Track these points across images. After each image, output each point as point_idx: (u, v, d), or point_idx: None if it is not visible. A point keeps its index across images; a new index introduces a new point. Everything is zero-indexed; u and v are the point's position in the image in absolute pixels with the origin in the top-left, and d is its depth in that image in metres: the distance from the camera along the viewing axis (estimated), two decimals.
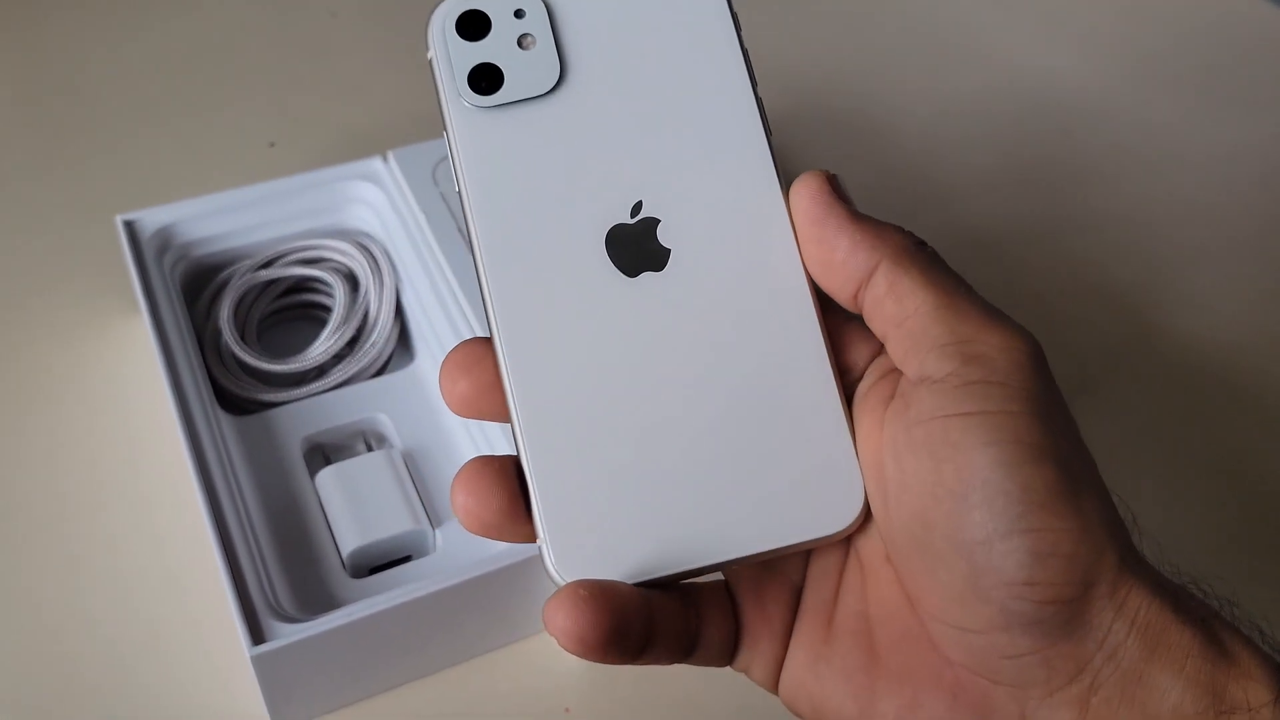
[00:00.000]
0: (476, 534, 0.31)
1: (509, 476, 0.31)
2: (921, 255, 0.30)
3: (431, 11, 0.33)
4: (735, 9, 0.33)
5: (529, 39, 0.32)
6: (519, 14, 0.32)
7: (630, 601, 0.29)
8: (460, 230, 0.58)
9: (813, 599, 0.32)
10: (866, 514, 0.31)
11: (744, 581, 0.32)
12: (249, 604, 0.45)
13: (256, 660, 0.44)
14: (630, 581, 0.30)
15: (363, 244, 0.60)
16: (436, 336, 0.56)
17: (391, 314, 0.58)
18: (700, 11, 0.33)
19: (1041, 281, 0.70)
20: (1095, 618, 0.28)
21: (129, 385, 0.59)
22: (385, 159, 0.62)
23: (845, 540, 0.32)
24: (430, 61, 0.33)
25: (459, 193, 0.32)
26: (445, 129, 0.32)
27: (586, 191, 0.32)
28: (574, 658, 0.51)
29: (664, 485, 0.30)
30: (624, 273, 0.31)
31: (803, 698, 0.32)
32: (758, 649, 0.32)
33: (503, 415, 0.31)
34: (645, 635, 0.29)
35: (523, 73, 0.32)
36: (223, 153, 0.73)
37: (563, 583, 0.30)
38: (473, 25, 0.33)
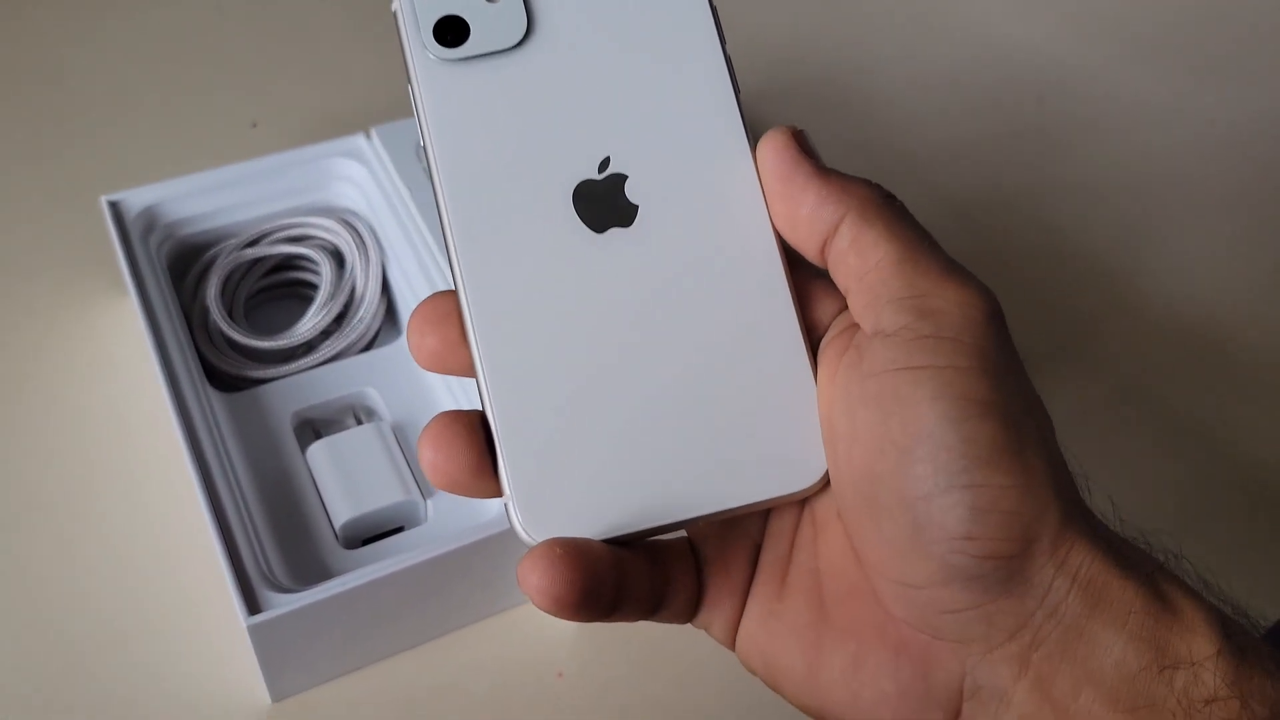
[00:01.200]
0: (442, 489, 0.31)
1: (476, 432, 0.30)
2: (889, 208, 0.30)
3: None
4: None
5: None
6: None
7: (602, 559, 0.29)
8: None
9: (769, 556, 0.32)
10: (828, 474, 0.31)
11: (708, 540, 0.32)
12: (244, 575, 0.46)
13: (253, 630, 0.44)
14: (597, 539, 0.30)
15: (348, 221, 0.60)
16: None
17: (378, 290, 0.58)
18: None
19: (1014, 247, 0.71)
20: (1036, 574, 0.28)
21: (117, 365, 0.59)
22: (368, 136, 0.62)
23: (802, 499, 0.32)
24: (395, 13, 0.32)
25: (423, 146, 0.32)
26: (410, 81, 0.32)
27: (553, 147, 0.32)
28: (566, 623, 0.52)
29: (630, 442, 0.30)
30: (591, 228, 0.31)
31: (755, 654, 0.32)
32: (719, 608, 0.32)
33: (469, 371, 0.31)
34: (616, 593, 0.29)
35: (489, 25, 0.32)
36: (205, 134, 0.73)
37: (529, 540, 0.30)
38: None
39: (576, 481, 0.30)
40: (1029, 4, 0.89)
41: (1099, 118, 0.80)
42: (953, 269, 0.30)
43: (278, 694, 0.49)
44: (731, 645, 0.32)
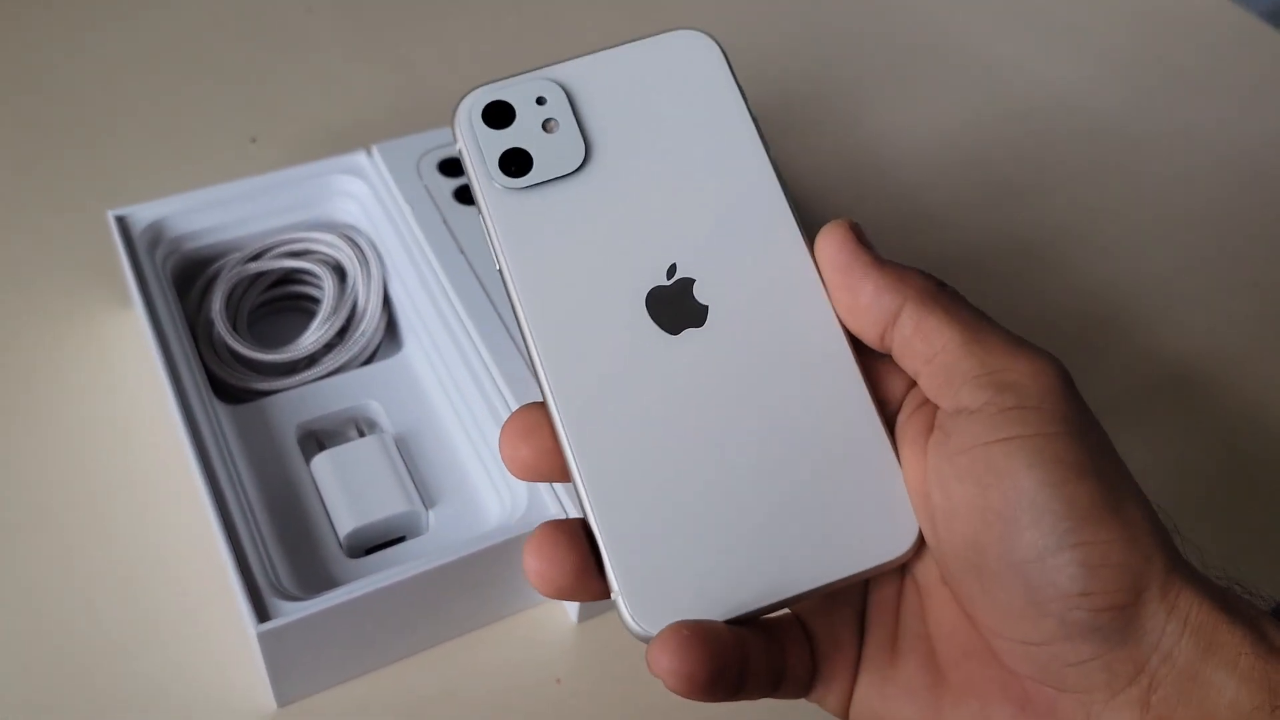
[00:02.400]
0: (549, 596, 0.32)
1: (577, 538, 0.31)
2: (943, 295, 0.32)
3: (456, 105, 0.35)
4: (740, 80, 0.36)
5: (552, 123, 0.34)
6: (540, 100, 0.34)
7: (726, 639, 0.30)
8: (448, 232, 0.60)
9: (876, 626, 0.33)
10: (921, 540, 0.33)
11: (815, 615, 0.33)
12: (253, 584, 0.47)
13: (262, 637, 0.45)
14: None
15: (349, 236, 0.62)
16: (424, 325, 0.58)
17: (379, 304, 0.59)
18: (708, 84, 0.35)
19: (999, 255, 0.72)
20: (1149, 621, 0.29)
21: (123, 377, 0.61)
22: (369, 153, 0.64)
23: (900, 566, 0.33)
24: (460, 151, 0.34)
25: (499, 271, 0.33)
26: (481, 212, 0.34)
27: (622, 259, 0.33)
28: (563, 630, 0.53)
29: (726, 529, 0.32)
30: (666, 331, 0.33)
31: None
32: (833, 679, 0.33)
33: (564, 476, 0.32)
34: (741, 672, 0.31)
35: (550, 154, 0.34)
36: (204, 149, 0.74)
37: (641, 631, 0.31)
38: (497, 114, 0.34)
39: (680, 571, 0.31)
40: (1017, 26, 0.91)
41: (1085, 138, 0.82)
42: (1017, 342, 0.31)
43: (283, 699, 0.50)
44: (845, 716, 0.34)
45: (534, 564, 0.31)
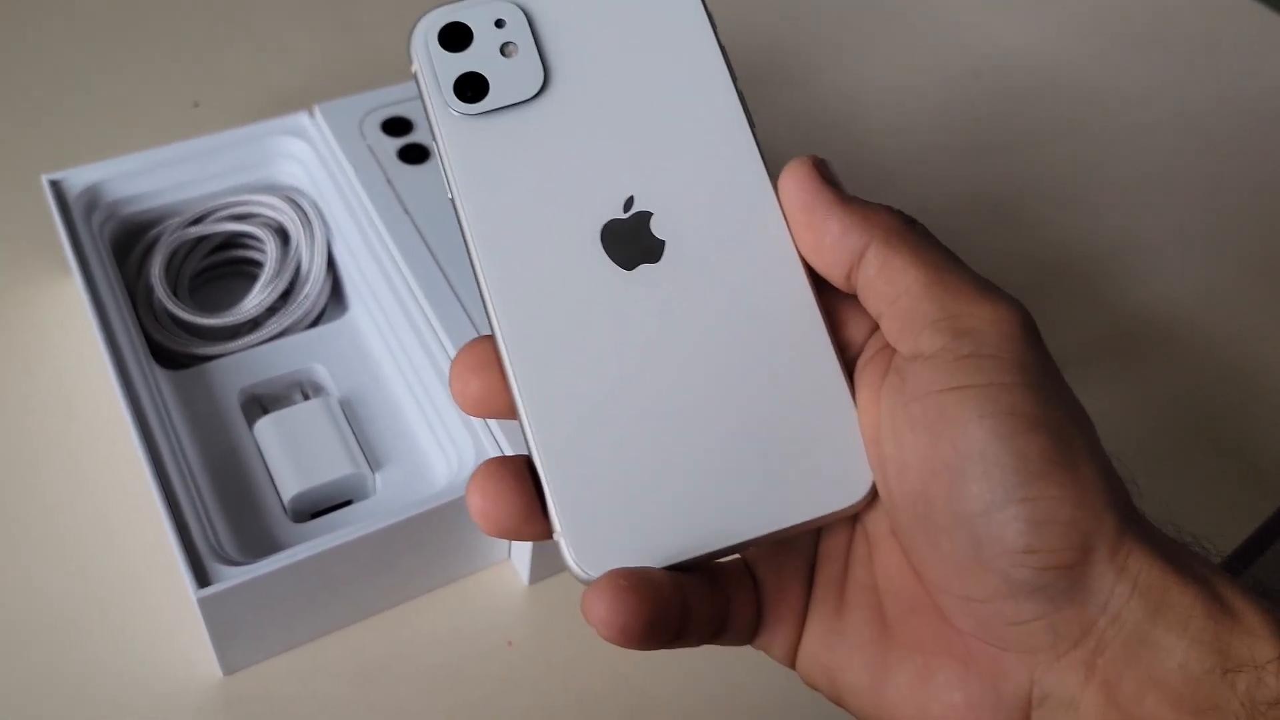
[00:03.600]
0: (492, 535, 0.31)
1: (522, 477, 0.31)
2: (911, 234, 0.31)
3: (413, 25, 0.33)
4: (710, 7, 0.34)
5: (511, 47, 0.33)
6: (499, 23, 0.33)
7: (665, 587, 0.29)
8: (395, 199, 0.59)
9: (824, 575, 0.33)
10: (875, 490, 0.32)
11: (762, 563, 0.33)
12: (193, 549, 0.46)
13: (203, 602, 0.45)
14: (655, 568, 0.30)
15: (292, 198, 0.60)
16: (369, 287, 0.57)
17: (323, 266, 0.58)
18: (676, 11, 0.34)
19: (973, 224, 0.72)
20: (1096, 582, 0.28)
21: (62, 346, 0.59)
22: (311, 114, 0.62)
23: (852, 516, 0.33)
24: (415, 74, 0.33)
25: (452, 199, 0.32)
26: (434, 138, 0.33)
27: (578, 190, 0.32)
28: (514, 592, 0.52)
29: (676, 472, 0.31)
30: (621, 266, 0.32)
31: (818, 671, 0.32)
32: (779, 628, 0.32)
33: (514, 413, 0.31)
34: (681, 621, 0.30)
35: (507, 79, 0.33)
36: (146, 115, 0.73)
37: (584, 576, 0.30)
38: (455, 36, 0.33)
39: (627, 515, 0.30)
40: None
41: (1048, 98, 0.82)
42: (982, 286, 0.30)
43: (229, 667, 0.49)
44: (791, 664, 0.33)
45: (477, 502, 0.30)
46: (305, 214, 0.60)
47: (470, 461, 0.50)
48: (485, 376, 0.32)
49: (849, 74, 0.81)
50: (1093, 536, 0.28)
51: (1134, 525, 0.29)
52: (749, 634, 0.33)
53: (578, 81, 0.33)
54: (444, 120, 0.33)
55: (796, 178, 0.32)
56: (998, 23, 0.86)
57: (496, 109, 0.33)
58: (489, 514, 0.30)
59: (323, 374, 0.56)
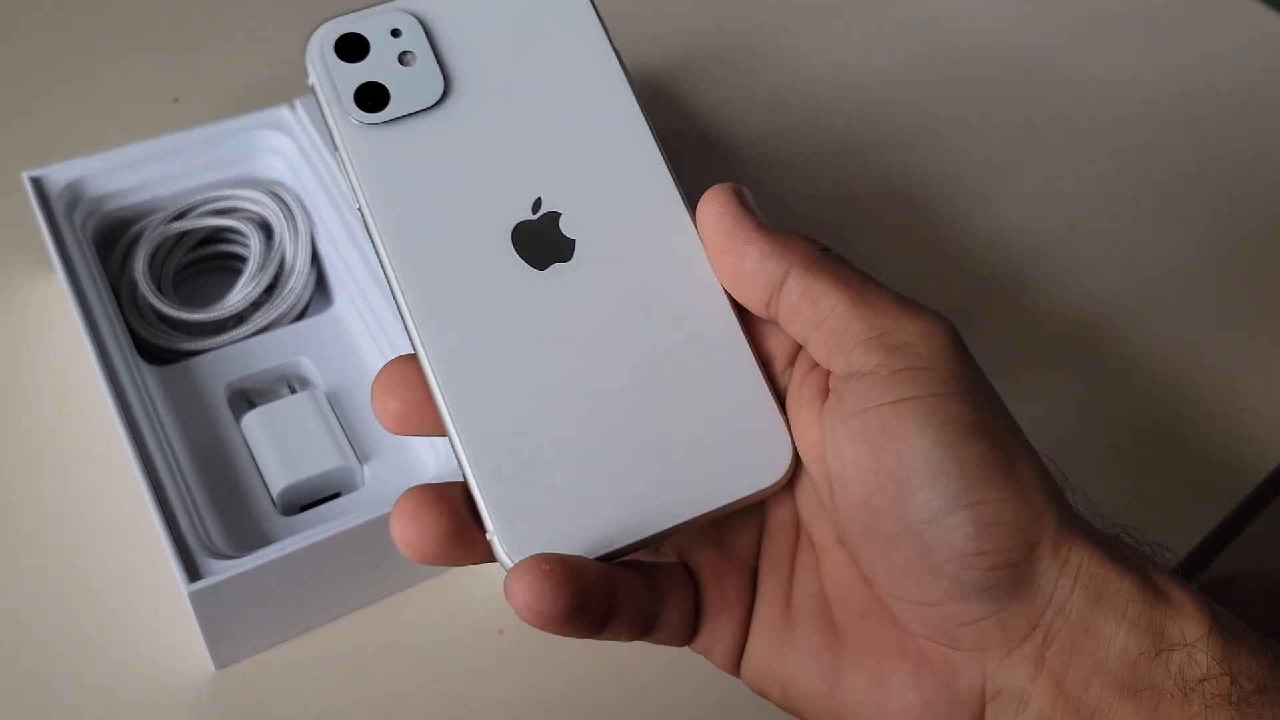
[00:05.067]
0: (417, 560, 0.31)
1: (448, 501, 0.31)
2: (828, 259, 0.32)
3: (307, 38, 0.33)
4: (600, 12, 0.35)
5: (409, 55, 0.33)
6: (395, 33, 0.33)
7: (591, 576, 0.30)
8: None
9: (769, 583, 0.33)
10: (798, 462, 0.32)
11: (704, 564, 0.33)
12: (183, 543, 0.46)
13: (194, 597, 0.45)
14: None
15: (275, 192, 0.60)
16: (354, 279, 0.57)
17: (308, 260, 0.58)
18: (568, 17, 0.35)
19: (920, 204, 0.72)
20: (1041, 577, 0.30)
21: (47, 343, 0.59)
22: (293, 107, 0.62)
23: (795, 524, 0.33)
24: (312, 86, 0.33)
25: (359, 210, 0.32)
26: (337, 150, 0.33)
27: (486, 194, 0.33)
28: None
29: (601, 465, 0.31)
30: (534, 267, 0.32)
31: (770, 680, 0.33)
32: (718, 632, 0.33)
33: (437, 429, 0.32)
34: (606, 610, 0.30)
35: (407, 88, 0.33)
36: (127, 110, 0.72)
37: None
38: (352, 47, 0.33)
39: (557, 509, 0.31)
40: None
41: (1015, 76, 0.82)
42: (905, 303, 0.31)
43: (221, 661, 0.49)
44: (734, 671, 0.33)
45: (398, 530, 0.30)
46: (288, 207, 0.60)
47: None
48: (405, 392, 0.32)
49: (825, 59, 0.81)
50: (1036, 534, 0.30)
51: (1072, 521, 0.30)
52: (685, 635, 0.33)
53: (478, 87, 0.34)
54: (346, 131, 0.33)
55: (716, 205, 0.33)
56: (976, 6, 0.87)
57: (398, 118, 0.33)
58: (410, 540, 0.31)
59: (309, 367, 0.56)
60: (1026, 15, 0.87)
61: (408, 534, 0.30)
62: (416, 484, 0.31)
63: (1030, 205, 0.73)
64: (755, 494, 0.32)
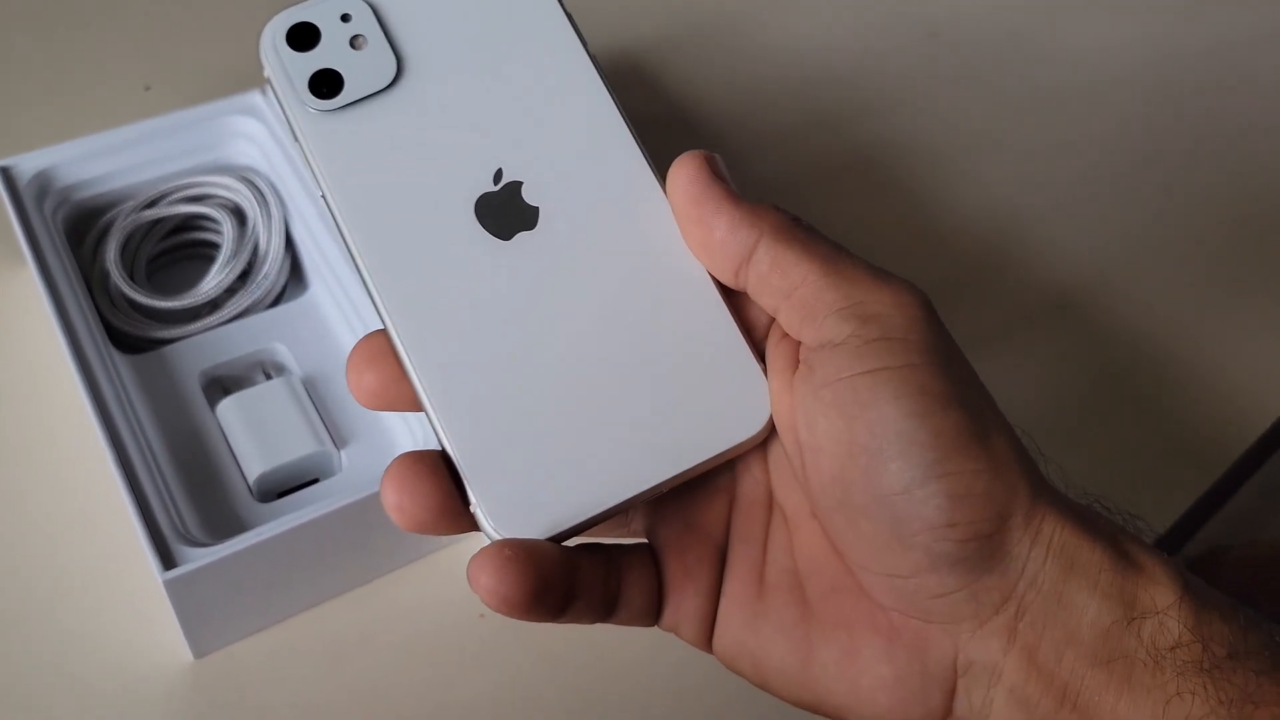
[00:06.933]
0: (408, 529, 0.31)
1: (438, 471, 0.31)
2: (799, 229, 0.32)
3: (260, 32, 0.34)
4: None
5: (360, 39, 0.34)
6: (345, 18, 0.34)
7: (552, 560, 0.30)
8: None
9: (740, 558, 0.33)
10: (773, 422, 0.32)
11: (667, 544, 0.33)
12: (158, 532, 0.45)
13: (169, 585, 0.44)
14: (570, 524, 0.31)
15: (248, 178, 0.60)
16: (329, 264, 0.56)
17: (281, 245, 0.58)
18: None
19: (899, 179, 0.72)
20: (1014, 548, 0.29)
21: (18, 334, 0.58)
22: (264, 92, 0.62)
23: (768, 499, 0.33)
24: (268, 79, 0.33)
25: (322, 197, 0.33)
26: (297, 139, 0.33)
27: (446, 170, 0.33)
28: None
29: (580, 428, 0.31)
30: (499, 237, 0.33)
31: (743, 656, 0.33)
32: (683, 608, 0.33)
33: (414, 403, 0.32)
34: (567, 594, 0.30)
35: (360, 71, 0.33)
36: (97, 98, 0.71)
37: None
38: (302, 36, 0.34)
39: (536, 475, 0.31)
40: None
41: (993, 54, 0.82)
42: (878, 273, 0.31)
43: (199, 650, 0.49)
44: (705, 647, 0.33)
45: (391, 496, 0.30)
46: (261, 193, 0.59)
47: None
48: (379, 368, 0.32)
49: (804, 32, 0.81)
50: (1009, 505, 0.29)
51: (1044, 491, 0.30)
52: (650, 615, 0.33)
53: (431, 66, 0.34)
54: (303, 119, 0.33)
55: (686, 172, 0.32)
56: None
57: (353, 102, 0.33)
58: (404, 508, 0.30)
59: (284, 353, 0.55)
60: None
61: (400, 500, 0.30)
62: (407, 450, 0.31)
63: (1009, 177, 0.73)
64: (736, 446, 0.32)
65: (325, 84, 0.33)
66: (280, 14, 0.34)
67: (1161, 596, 0.29)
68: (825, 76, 0.78)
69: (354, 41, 0.33)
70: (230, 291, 0.57)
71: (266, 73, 0.33)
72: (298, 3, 0.34)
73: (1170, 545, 0.57)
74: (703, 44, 0.79)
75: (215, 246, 0.59)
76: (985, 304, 0.66)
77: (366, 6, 0.34)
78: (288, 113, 0.33)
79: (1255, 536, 0.67)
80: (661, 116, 0.73)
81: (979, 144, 0.75)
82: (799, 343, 0.31)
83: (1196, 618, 0.29)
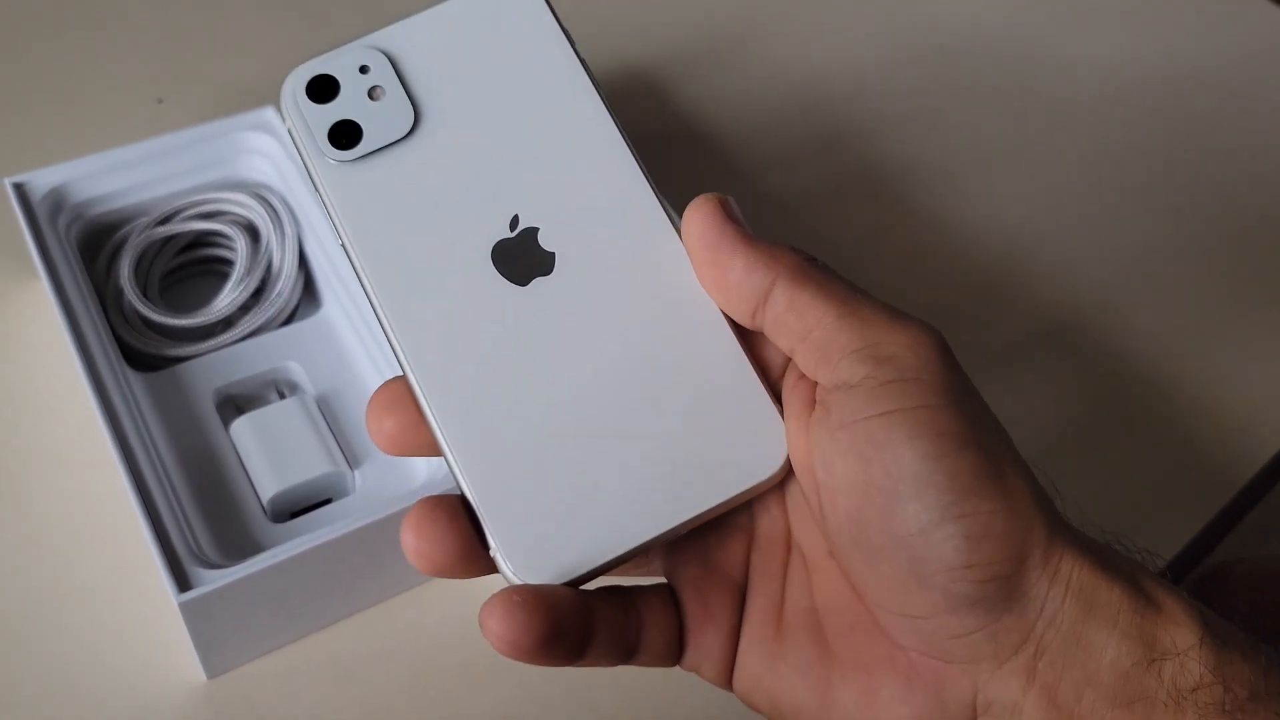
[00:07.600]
0: (429, 574, 0.31)
1: (458, 516, 0.31)
2: (815, 270, 0.32)
3: (281, 85, 0.34)
4: (565, 24, 0.35)
5: (378, 90, 0.34)
6: (363, 69, 0.34)
7: (566, 605, 0.30)
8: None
9: (759, 598, 0.33)
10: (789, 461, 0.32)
11: (687, 584, 0.33)
12: (172, 553, 0.45)
13: (184, 607, 0.44)
14: (590, 567, 0.31)
15: (261, 195, 0.60)
16: (342, 282, 0.56)
17: (295, 263, 0.58)
18: (534, 36, 0.35)
19: (908, 192, 0.72)
20: (1032, 588, 0.29)
21: (32, 351, 0.59)
22: (278, 108, 0.62)
23: (786, 538, 0.33)
24: (290, 131, 0.34)
25: (343, 246, 0.33)
26: (317, 189, 0.33)
27: (463, 217, 0.33)
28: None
29: (598, 472, 0.32)
30: (516, 283, 0.33)
31: (760, 694, 0.33)
32: (704, 648, 0.33)
33: (433, 448, 0.32)
34: (583, 638, 0.30)
35: (379, 122, 0.34)
36: (110, 113, 0.72)
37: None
38: (322, 88, 0.34)
39: (556, 519, 0.31)
40: None
41: (1002, 65, 0.82)
42: (893, 314, 0.31)
43: (213, 670, 0.49)
44: (725, 685, 0.33)
45: (412, 541, 0.31)
46: (275, 210, 0.59)
47: None
48: (399, 414, 0.32)
49: (813, 51, 0.81)
50: (1026, 545, 0.29)
51: (1062, 530, 0.30)
52: (670, 657, 0.33)
53: (448, 114, 0.34)
54: (323, 170, 0.33)
55: (701, 215, 0.33)
56: None
57: (372, 152, 0.33)
58: (425, 553, 0.31)
59: (298, 372, 0.55)
60: (1015, 3, 0.86)
61: (421, 546, 0.31)
62: (426, 495, 0.31)
63: (1019, 196, 0.73)
64: (754, 487, 0.32)
65: (345, 135, 0.34)
66: (300, 66, 0.34)
67: (1182, 638, 0.29)
68: (835, 93, 0.78)
69: (372, 92, 0.34)
70: (244, 309, 0.57)
71: (287, 125, 0.34)
72: (318, 54, 0.35)
73: (1177, 570, 0.57)
74: (714, 61, 0.79)
75: (229, 263, 0.59)
76: (995, 323, 0.66)
77: (384, 57, 0.34)
78: (308, 163, 0.33)
79: (1260, 551, 0.68)
80: (672, 134, 0.74)
81: (989, 161, 0.75)
82: (816, 383, 0.32)
83: (1218, 658, 0.29)
